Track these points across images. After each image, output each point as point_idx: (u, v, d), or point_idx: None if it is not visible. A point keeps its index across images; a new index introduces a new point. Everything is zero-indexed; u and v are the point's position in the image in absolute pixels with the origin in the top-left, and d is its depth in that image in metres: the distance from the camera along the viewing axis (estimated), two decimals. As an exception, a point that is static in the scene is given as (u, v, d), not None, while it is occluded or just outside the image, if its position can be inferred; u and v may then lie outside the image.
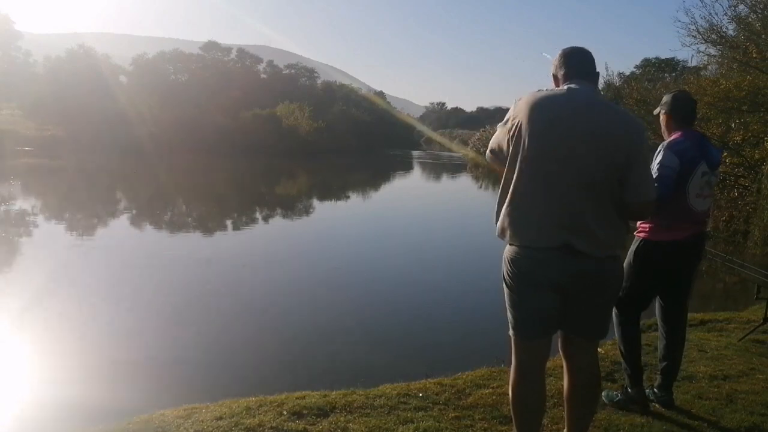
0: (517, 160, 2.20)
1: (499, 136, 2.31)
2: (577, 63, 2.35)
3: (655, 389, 3.29)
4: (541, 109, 2.19)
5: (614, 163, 2.17)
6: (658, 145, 3.08)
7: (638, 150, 2.21)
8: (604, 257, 2.20)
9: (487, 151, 2.41)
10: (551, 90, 2.31)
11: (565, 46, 2.43)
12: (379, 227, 15.65)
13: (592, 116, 2.21)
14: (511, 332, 2.32)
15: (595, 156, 2.16)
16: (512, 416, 2.34)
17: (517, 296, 2.25)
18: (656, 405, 3.24)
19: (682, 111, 3.13)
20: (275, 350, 5.99)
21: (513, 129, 2.21)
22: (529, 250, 2.19)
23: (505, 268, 2.28)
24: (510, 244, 2.26)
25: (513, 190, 2.22)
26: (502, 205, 2.27)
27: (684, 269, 3.18)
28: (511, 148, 2.22)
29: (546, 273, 2.18)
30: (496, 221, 2.30)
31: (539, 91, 2.31)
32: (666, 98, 3.19)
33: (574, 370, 2.41)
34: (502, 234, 2.28)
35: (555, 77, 2.41)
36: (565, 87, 2.28)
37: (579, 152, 2.15)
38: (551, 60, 2.44)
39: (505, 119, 2.30)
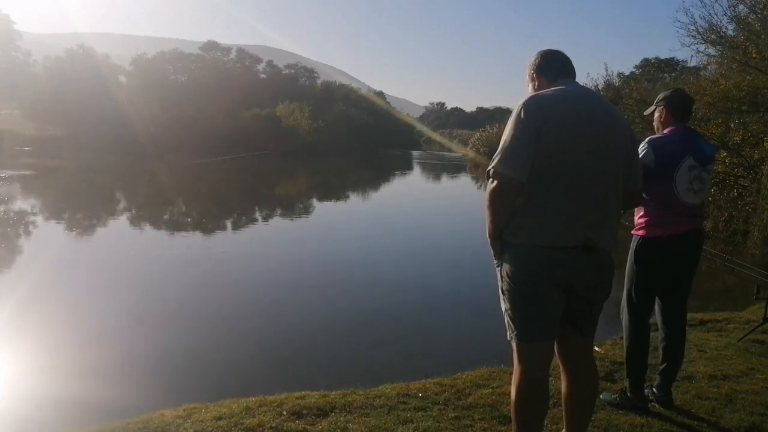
0: (539, 164, 2.12)
1: (516, 148, 2.13)
2: (560, 62, 2.39)
3: (654, 389, 3.29)
4: (558, 110, 2.18)
5: (626, 154, 2.29)
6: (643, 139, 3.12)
7: (635, 139, 2.41)
8: (610, 251, 2.27)
9: (499, 178, 2.14)
10: (555, 90, 2.26)
11: (543, 48, 2.50)
12: (378, 227, 15.63)
13: (605, 111, 2.29)
14: (514, 337, 2.25)
15: (615, 150, 2.23)
16: (513, 419, 2.29)
17: (528, 297, 2.18)
18: (655, 405, 3.24)
19: (681, 107, 3.17)
20: (275, 350, 5.98)
21: (532, 134, 2.11)
22: (550, 250, 2.14)
23: (514, 269, 2.19)
24: (521, 245, 2.18)
25: (533, 192, 2.14)
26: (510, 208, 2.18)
27: (683, 267, 3.16)
28: (531, 154, 2.11)
29: (563, 271, 2.16)
30: (497, 224, 2.21)
31: (541, 93, 2.28)
32: (664, 94, 3.22)
33: (572, 370, 2.41)
34: (515, 235, 2.18)
35: (539, 77, 2.38)
36: (563, 87, 2.28)
37: (603, 149, 2.19)
38: None
39: (512, 133, 2.15)
